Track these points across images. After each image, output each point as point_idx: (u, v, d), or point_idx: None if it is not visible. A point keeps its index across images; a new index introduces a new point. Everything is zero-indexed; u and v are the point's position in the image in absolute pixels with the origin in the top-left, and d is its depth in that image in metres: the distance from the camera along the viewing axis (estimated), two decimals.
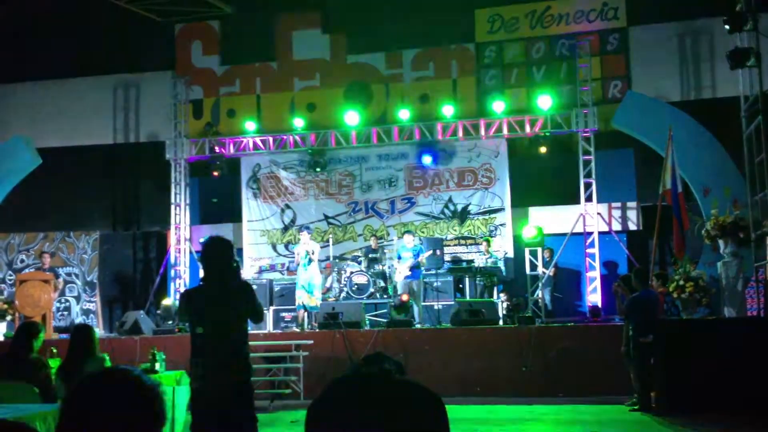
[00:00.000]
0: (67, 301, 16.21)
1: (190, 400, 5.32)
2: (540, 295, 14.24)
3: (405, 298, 13.04)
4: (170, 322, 13.20)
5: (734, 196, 12.85)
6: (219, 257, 5.35)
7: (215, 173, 16.21)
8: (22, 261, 16.59)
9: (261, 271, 15.72)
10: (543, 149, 14.94)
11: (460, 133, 15.44)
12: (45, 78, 17.81)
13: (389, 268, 14.31)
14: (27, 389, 5.85)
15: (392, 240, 15.48)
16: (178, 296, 15.93)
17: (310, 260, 13.01)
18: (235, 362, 5.21)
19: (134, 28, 16.91)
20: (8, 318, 13.93)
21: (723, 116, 14.15)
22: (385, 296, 13.86)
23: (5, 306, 14.02)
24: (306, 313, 13.07)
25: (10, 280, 15.93)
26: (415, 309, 13.28)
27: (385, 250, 14.90)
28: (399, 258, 13.84)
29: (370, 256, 14.60)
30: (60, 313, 15.89)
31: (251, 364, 5.45)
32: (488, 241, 14.77)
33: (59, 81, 17.80)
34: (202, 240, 14.97)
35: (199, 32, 17.62)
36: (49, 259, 15.18)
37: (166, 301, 14.26)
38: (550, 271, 14.59)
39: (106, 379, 1.83)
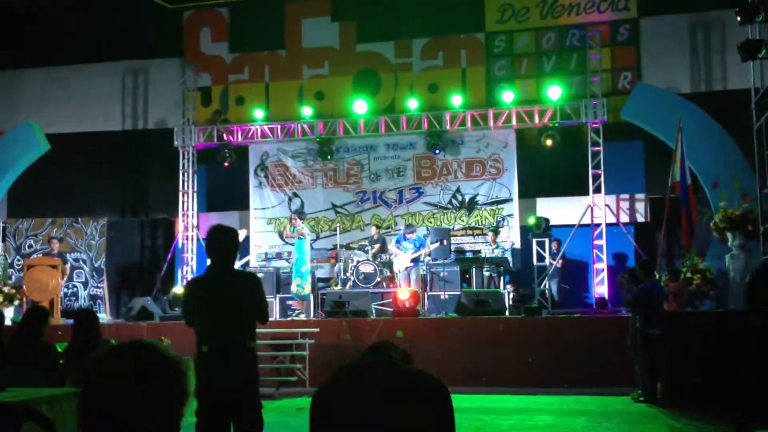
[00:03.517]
0: (74, 286, 16.26)
1: (195, 387, 5.32)
2: (547, 286, 14.23)
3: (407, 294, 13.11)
4: (177, 309, 13.23)
5: (743, 188, 12.79)
6: (224, 246, 5.35)
7: (226, 164, 16.19)
8: (30, 246, 16.64)
9: (267, 258, 15.74)
10: (549, 142, 14.87)
11: (469, 123, 15.39)
12: (54, 64, 17.82)
13: (394, 256, 14.34)
14: (34, 373, 5.88)
15: (399, 229, 15.47)
16: (183, 284, 15.99)
17: (299, 247, 13.08)
18: (240, 352, 5.21)
19: (143, 14, 16.89)
20: (16, 302, 14.00)
21: (733, 108, 14.06)
22: (391, 285, 13.87)
23: (13, 291, 14.08)
24: (301, 302, 13.19)
25: (18, 265, 15.99)
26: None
27: (389, 239, 14.92)
28: (398, 243, 13.89)
29: (376, 246, 14.60)
30: (67, 298, 15.94)
31: (257, 352, 5.45)
32: (495, 232, 14.76)
33: (68, 67, 17.81)
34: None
35: (208, 19, 17.59)
36: (58, 245, 15.24)
37: (177, 289, 14.28)
38: (558, 263, 14.57)
39: (132, 352, 1.79)
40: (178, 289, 14.02)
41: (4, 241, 16.51)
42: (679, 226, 12.63)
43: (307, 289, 13.12)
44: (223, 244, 5.35)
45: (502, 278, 14.17)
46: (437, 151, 15.56)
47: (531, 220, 14.52)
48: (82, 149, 17.21)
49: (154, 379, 1.74)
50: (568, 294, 14.90)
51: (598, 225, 14.78)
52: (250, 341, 5.31)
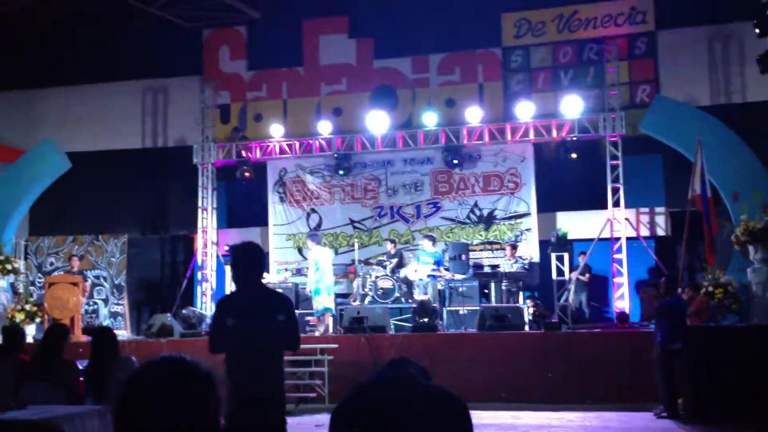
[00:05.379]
0: (95, 303, 16.37)
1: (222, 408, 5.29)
2: (569, 300, 14.13)
3: (424, 297, 13.13)
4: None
5: (764, 201, 12.68)
6: (253, 263, 5.34)
7: (246, 174, 16.22)
8: (51, 264, 16.80)
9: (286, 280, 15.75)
10: (575, 155, 14.79)
11: (486, 138, 15.38)
12: (75, 83, 18.02)
13: (407, 267, 14.35)
14: (55, 391, 5.91)
15: (417, 245, 15.43)
16: (203, 300, 16.05)
17: (317, 267, 13.09)
18: (269, 372, 5.20)
19: (162, 33, 17.04)
20: (37, 320, 14.10)
21: (753, 120, 13.99)
22: (410, 301, 13.85)
23: (35, 308, 14.19)
24: (324, 317, 13.16)
25: (39, 282, 16.12)
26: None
27: (410, 254, 14.90)
28: (417, 260, 13.96)
29: (394, 261, 14.56)
30: (88, 315, 16.04)
31: (284, 372, 5.44)
32: (513, 247, 14.70)
33: (89, 86, 17.99)
34: (228, 246, 15.09)
35: (227, 37, 17.73)
36: (78, 262, 15.36)
37: (186, 311, 14.35)
38: (585, 277, 14.46)
39: (166, 366, 1.81)
40: (186, 311, 14.15)
41: (25, 259, 16.67)
42: (701, 240, 12.53)
43: (316, 306, 13.03)
44: (252, 261, 5.34)
45: (521, 293, 14.10)
46: (456, 162, 15.50)
47: (560, 230, 14.44)
48: (103, 167, 17.35)
49: (189, 390, 1.74)
50: (589, 309, 14.81)
51: (618, 239, 14.68)
52: (279, 362, 5.29)
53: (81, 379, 6.22)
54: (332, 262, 13.84)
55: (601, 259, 14.79)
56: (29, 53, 17.64)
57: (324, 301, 12.92)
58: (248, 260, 5.34)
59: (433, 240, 14.34)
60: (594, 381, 10.84)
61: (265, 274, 11.45)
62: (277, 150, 16.38)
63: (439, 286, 13.76)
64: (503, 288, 13.87)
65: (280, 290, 11.66)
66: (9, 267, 14.73)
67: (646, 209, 15.18)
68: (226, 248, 15.60)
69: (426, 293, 13.51)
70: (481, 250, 15.51)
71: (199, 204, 16.58)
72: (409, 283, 14.09)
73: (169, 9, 16.43)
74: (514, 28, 16.30)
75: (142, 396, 1.75)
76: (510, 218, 15.57)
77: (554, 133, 15.05)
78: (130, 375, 1.79)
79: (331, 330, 13.04)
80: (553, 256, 14.41)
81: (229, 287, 15.30)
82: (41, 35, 17.49)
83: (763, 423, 8.57)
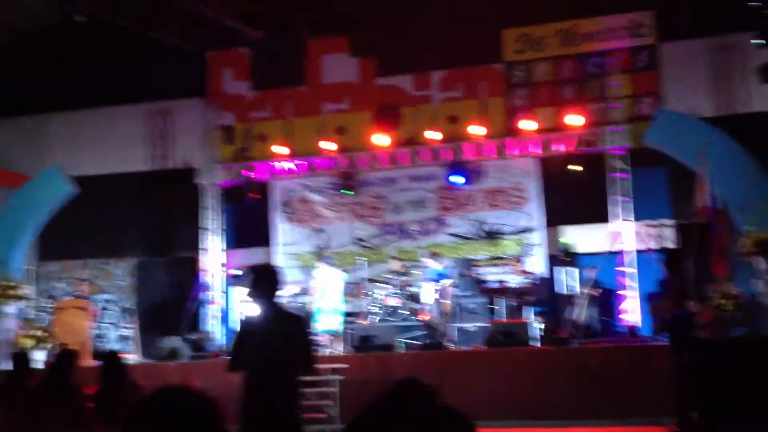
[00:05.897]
0: (105, 327, 16.36)
1: (239, 422, 5.26)
2: (580, 315, 14.04)
3: (426, 317, 13.13)
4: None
5: None
6: (271, 284, 5.37)
7: (252, 194, 16.26)
8: (59, 289, 16.80)
9: (295, 295, 15.73)
10: (579, 168, 14.75)
11: (490, 153, 15.38)
12: (80, 107, 18.09)
13: (419, 288, 14.32)
14: (63, 417, 5.90)
15: (423, 262, 15.38)
16: (210, 322, 16.03)
17: (324, 288, 13.17)
18: (286, 392, 5.19)
19: (166, 56, 17.10)
20: (46, 345, 14.09)
21: (758, 131, 13.94)
22: (417, 318, 13.80)
23: (43, 334, 14.19)
24: (331, 337, 13.19)
25: (47, 307, 16.12)
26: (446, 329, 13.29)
27: (413, 272, 14.88)
28: (425, 278, 13.95)
29: (402, 279, 14.54)
30: (98, 340, 16.02)
31: (299, 392, 5.43)
32: (520, 262, 14.66)
33: (94, 110, 18.06)
34: (242, 268, 15.08)
35: (230, 59, 17.80)
36: (87, 287, 15.35)
37: (193, 334, 14.43)
38: (596, 291, 14.37)
39: (167, 396, 1.82)
40: (195, 335, 14.22)
41: (34, 284, 16.68)
42: (709, 252, 12.48)
43: (322, 326, 13.05)
44: (269, 281, 5.38)
45: (528, 308, 14.03)
46: (461, 178, 15.45)
47: (563, 239, 14.43)
48: (110, 191, 17.37)
49: (193, 421, 1.76)
50: (596, 323, 14.72)
51: (626, 252, 14.62)
52: (295, 384, 5.29)
53: (89, 404, 6.21)
54: (341, 282, 13.85)
55: (610, 273, 14.73)
56: (35, 78, 17.72)
57: (330, 321, 12.91)
58: (265, 281, 5.39)
59: (437, 257, 14.30)
60: (605, 396, 10.78)
61: None
62: (282, 170, 16.41)
63: (447, 303, 13.72)
64: (511, 304, 13.82)
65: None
66: (16, 293, 14.74)
67: (654, 222, 15.12)
68: (235, 270, 15.64)
69: (433, 310, 13.47)
70: (487, 266, 15.47)
71: (204, 225, 16.58)
72: (417, 301, 14.05)
73: (172, 32, 16.50)
74: (516, 43, 16.34)
75: (147, 426, 1.76)
76: (516, 233, 15.54)
77: (558, 148, 15.05)
78: (136, 404, 1.80)
79: (338, 350, 13.03)
80: (561, 270, 14.35)
81: (237, 308, 15.29)
82: (46, 61, 17.58)
83: None
